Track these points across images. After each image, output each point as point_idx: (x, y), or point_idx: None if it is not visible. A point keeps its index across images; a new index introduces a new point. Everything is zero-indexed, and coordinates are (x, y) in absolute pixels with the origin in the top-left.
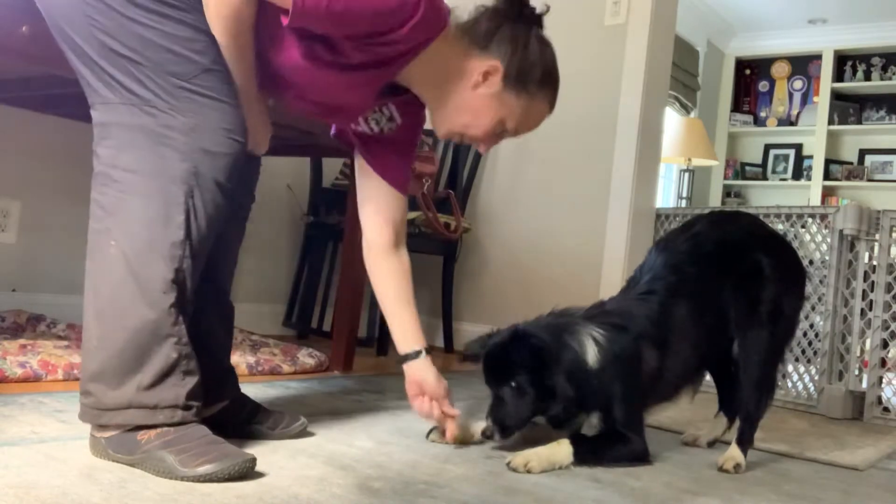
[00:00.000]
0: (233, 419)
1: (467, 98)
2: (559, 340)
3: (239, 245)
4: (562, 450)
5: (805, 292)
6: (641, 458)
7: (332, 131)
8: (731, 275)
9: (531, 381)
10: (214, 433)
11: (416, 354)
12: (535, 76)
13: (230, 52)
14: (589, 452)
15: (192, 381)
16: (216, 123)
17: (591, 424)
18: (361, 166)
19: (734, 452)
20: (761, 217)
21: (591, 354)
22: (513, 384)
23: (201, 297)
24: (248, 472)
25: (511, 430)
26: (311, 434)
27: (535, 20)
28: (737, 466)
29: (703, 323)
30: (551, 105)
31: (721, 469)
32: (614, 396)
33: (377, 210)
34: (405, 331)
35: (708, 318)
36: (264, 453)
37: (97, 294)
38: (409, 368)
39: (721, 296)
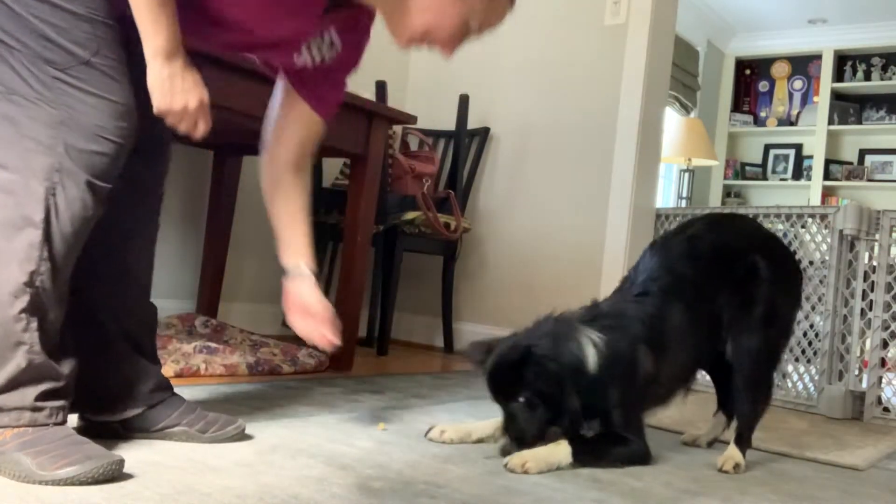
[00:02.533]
0: (154, 422)
1: None
2: (564, 351)
3: (153, 241)
4: (560, 450)
5: (801, 295)
6: (642, 460)
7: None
8: (727, 277)
9: (541, 397)
10: (135, 435)
11: (300, 269)
12: None
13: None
14: (588, 453)
15: (44, 385)
16: (89, 119)
17: (592, 428)
18: (286, 86)
19: (733, 452)
20: (761, 217)
21: (591, 360)
22: (522, 400)
23: (112, 299)
24: (115, 474)
25: (527, 444)
26: (248, 437)
27: None
28: (736, 466)
29: (698, 325)
30: None
31: (721, 470)
32: (612, 401)
33: (292, 129)
34: (292, 244)
35: (702, 320)
36: (264, 453)
37: None
38: (292, 284)
39: (716, 298)
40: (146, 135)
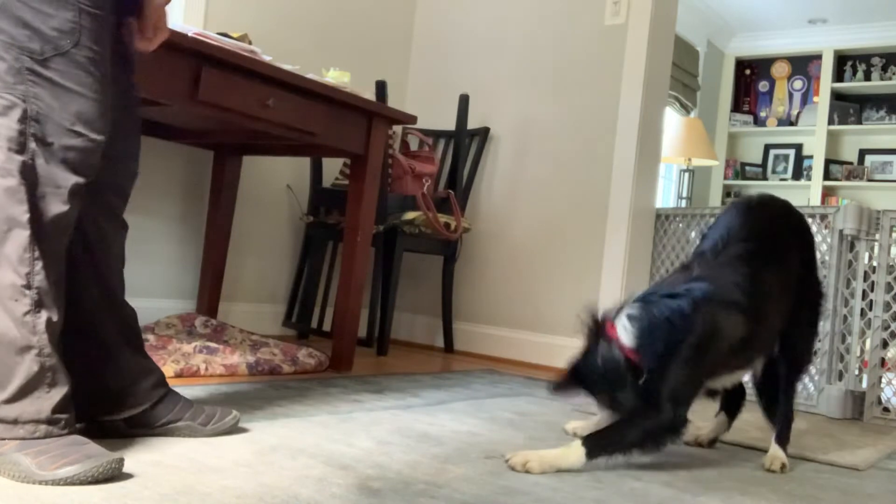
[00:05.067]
0: (158, 418)
1: None
2: (604, 357)
3: (122, 241)
4: (573, 453)
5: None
6: (669, 431)
7: None
8: (796, 258)
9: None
10: (140, 432)
11: None
12: None
13: None
14: (603, 446)
15: (58, 394)
16: (61, 115)
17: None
18: None
19: (777, 452)
20: None
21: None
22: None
23: (90, 303)
24: (114, 473)
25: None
26: (243, 430)
27: None
28: (783, 466)
29: (784, 292)
30: None
31: (769, 469)
32: (675, 360)
33: None
34: None
35: (786, 288)
36: (264, 453)
37: None
38: None
39: (792, 270)
40: (118, 137)
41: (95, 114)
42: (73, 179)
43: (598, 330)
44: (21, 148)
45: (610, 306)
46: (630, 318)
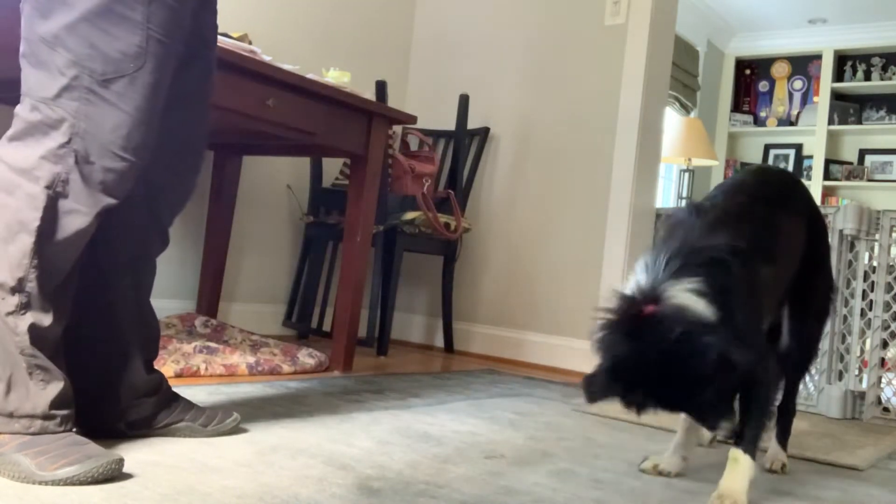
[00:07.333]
0: (158, 420)
1: None
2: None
3: (156, 255)
4: (742, 467)
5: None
6: (775, 383)
7: None
8: (806, 222)
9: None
10: (140, 433)
11: None
12: None
13: None
14: (750, 440)
15: (53, 390)
16: (108, 136)
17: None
18: None
19: (778, 452)
20: None
21: (705, 312)
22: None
23: (125, 315)
24: (114, 473)
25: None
26: (243, 430)
27: None
28: (783, 466)
29: (793, 247)
30: None
31: (769, 470)
32: (741, 318)
33: None
34: None
35: (795, 245)
36: (264, 453)
37: None
38: None
39: (798, 233)
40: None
41: (142, 139)
42: (105, 201)
43: (639, 314)
44: (58, 160)
45: (634, 285)
46: (697, 291)
